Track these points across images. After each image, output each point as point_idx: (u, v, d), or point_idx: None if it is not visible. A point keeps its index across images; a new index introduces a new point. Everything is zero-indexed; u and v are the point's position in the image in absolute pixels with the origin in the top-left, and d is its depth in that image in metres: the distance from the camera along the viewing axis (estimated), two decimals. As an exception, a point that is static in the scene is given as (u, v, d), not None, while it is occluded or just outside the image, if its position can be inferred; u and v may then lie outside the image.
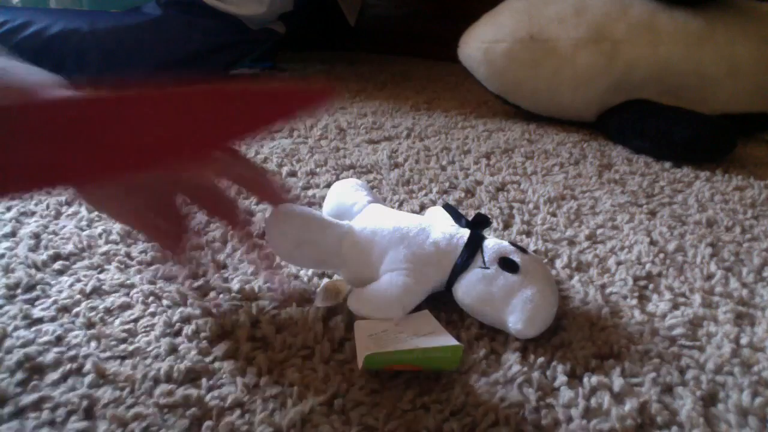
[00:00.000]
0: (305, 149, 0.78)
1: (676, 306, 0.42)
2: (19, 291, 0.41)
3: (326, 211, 0.47)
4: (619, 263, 0.49)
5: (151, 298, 0.41)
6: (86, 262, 0.46)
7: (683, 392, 0.33)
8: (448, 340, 0.35)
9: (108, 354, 0.35)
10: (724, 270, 0.48)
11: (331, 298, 0.40)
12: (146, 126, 0.27)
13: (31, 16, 1.14)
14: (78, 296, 0.41)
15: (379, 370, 0.34)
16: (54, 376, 0.33)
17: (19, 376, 0.33)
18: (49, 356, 0.34)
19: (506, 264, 0.38)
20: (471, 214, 0.58)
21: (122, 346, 0.36)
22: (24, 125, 0.25)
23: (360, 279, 0.40)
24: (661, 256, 0.50)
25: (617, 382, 0.34)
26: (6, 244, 0.48)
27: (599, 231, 0.55)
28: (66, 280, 0.43)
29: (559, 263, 0.48)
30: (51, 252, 0.47)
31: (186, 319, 0.39)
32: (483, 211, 0.59)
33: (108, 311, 0.39)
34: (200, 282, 0.43)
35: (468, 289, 0.38)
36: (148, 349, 0.36)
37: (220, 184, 0.37)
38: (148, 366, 0.34)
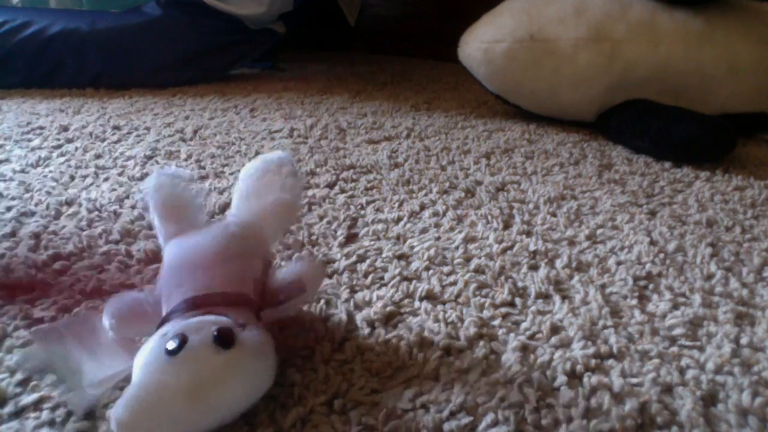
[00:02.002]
0: (305, 149, 0.78)
1: (676, 306, 0.42)
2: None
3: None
4: (619, 263, 0.49)
5: (151, 298, 0.41)
6: (86, 262, 0.46)
7: (683, 392, 0.33)
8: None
9: (108, 354, 0.35)
10: (724, 270, 0.48)
11: None
12: None
13: (31, 16, 1.15)
14: (78, 296, 0.41)
15: None
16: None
17: (19, 376, 0.33)
18: (49, 356, 0.34)
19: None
20: (471, 214, 0.58)
21: (122, 346, 0.36)
22: None
23: None
24: (661, 256, 0.50)
25: (617, 382, 0.34)
26: (6, 244, 0.48)
27: (599, 231, 0.55)
28: (66, 280, 0.43)
29: (559, 263, 0.48)
30: (51, 252, 0.47)
31: (186, 319, 0.38)
32: (483, 211, 0.59)
33: (108, 311, 0.39)
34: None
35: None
36: (148, 349, 0.36)
37: None
38: (148, 366, 0.34)
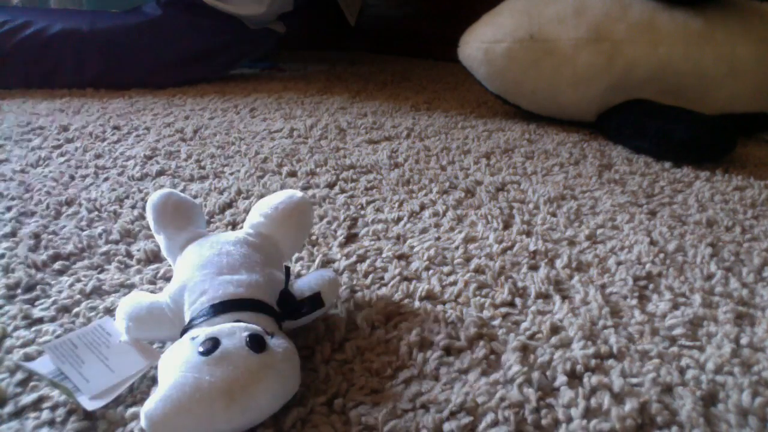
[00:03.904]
0: (305, 149, 0.78)
1: (676, 306, 0.42)
2: (19, 291, 0.41)
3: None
4: (619, 263, 0.49)
5: (151, 298, 0.41)
6: (86, 262, 0.46)
7: (683, 392, 0.33)
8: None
9: (108, 354, 0.35)
10: (724, 270, 0.48)
11: None
12: None
13: (31, 16, 1.15)
14: (78, 296, 0.41)
15: None
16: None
17: (19, 376, 0.33)
18: (49, 356, 0.34)
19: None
20: (471, 214, 0.58)
21: (122, 346, 0.36)
22: None
23: None
24: (661, 256, 0.50)
25: (617, 382, 0.34)
26: (6, 244, 0.48)
27: (599, 231, 0.55)
28: (66, 280, 0.43)
29: (559, 263, 0.48)
30: (51, 252, 0.47)
31: (186, 319, 0.39)
32: (483, 211, 0.59)
33: (108, 311, 0.39)
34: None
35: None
36: (148, 349, 0.36)
37: None
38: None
